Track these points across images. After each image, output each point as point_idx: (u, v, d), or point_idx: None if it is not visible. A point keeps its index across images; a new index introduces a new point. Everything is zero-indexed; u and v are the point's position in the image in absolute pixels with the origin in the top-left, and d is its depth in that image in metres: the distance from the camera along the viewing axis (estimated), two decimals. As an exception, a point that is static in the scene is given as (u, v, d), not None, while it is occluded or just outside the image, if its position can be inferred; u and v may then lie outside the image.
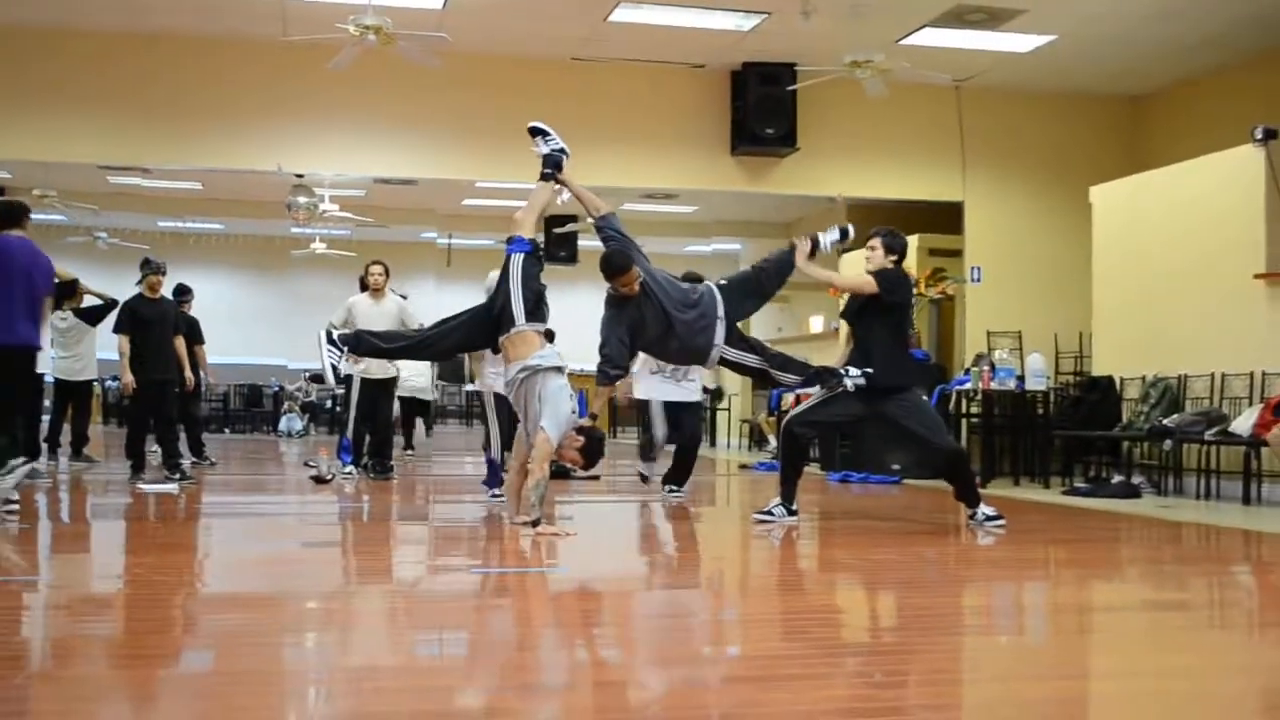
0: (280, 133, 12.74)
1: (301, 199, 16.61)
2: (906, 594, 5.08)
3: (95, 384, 13.36)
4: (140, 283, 10.90)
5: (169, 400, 10.90)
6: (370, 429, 11.22)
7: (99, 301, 12.19)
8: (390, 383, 11.29)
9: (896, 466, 11.96)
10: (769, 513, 7.77)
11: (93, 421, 13.65)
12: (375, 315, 10.99)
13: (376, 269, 11.24)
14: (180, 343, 11.29)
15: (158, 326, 10.78)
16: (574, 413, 6.98)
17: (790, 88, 12.79)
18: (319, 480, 10.57)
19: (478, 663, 4.05)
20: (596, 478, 11.02)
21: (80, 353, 12.18)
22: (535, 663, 4.03)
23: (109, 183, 17.80)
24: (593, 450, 7.05)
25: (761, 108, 13.11)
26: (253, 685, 3.57)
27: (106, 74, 12.31)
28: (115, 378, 22.63)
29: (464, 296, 17.93)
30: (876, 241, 8.35)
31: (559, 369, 7.06)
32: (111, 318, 12.21)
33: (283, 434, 21.71)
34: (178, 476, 10.39)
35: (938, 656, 4.21)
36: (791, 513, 7.75)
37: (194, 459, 12.19)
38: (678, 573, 6.42)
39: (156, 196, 19.26)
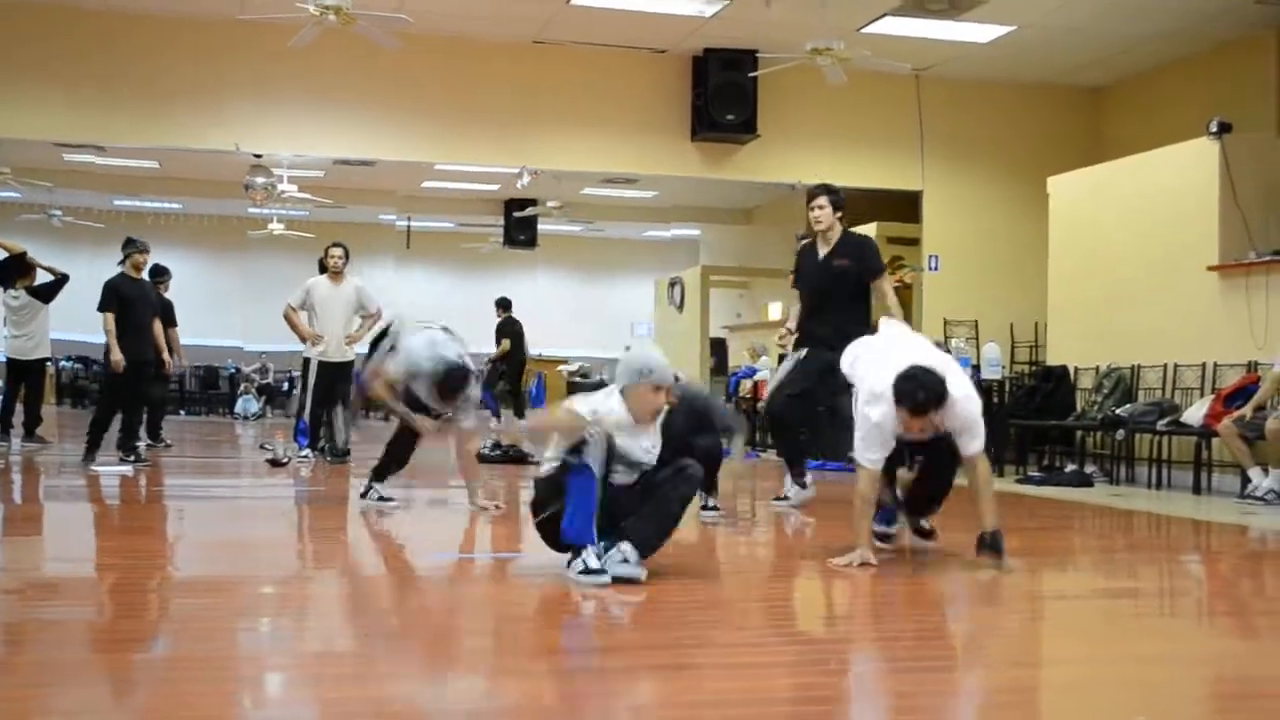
0: (239, 112, 12.61)
1: (259, 179, 16.48)
2: (858, 581, 5.10)
3: (48, 363, 13.15)
4: (124, 261, 10.69)
5: (145, 381, 10.75)
6: (327, 412, 11.14)
7: (51, 278, 12.07)
8: (348, 366, 11.22)
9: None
10: (784, 498, 7.92)
11: (45, 402, 13.43)
12: (333, 299, 10.94)
13: (336, 252, 11.15)
14: (157, 325, 11.04)
15: (140, 306, 10.59)
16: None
17: (751, 74, 12.78)
18: (275, 463, 10.51)
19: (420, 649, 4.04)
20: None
21: (32, 331, 11.98)
22: (493, 648, 4.02)
23: (64, 160, 17.60)
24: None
25: (722, 94, 13.09)
26: (204, 670, 3.55)
27: (62, 49, 12.13)
28: (70, 357, 22.73)
29: (422, 278, 17.94)
30: (824, 199, 7.80)
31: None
32: (64, 294, 12.11)
33: (239, 416, 21.58)
34: (132, 459, 10.30)
35: (891, 644, 4.23)
36: (804, 486, 7.89)
37: (149, 441, 12.05)
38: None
39: (112, 174, 19.06)
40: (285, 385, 22.32)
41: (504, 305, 17.96)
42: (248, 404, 21.47)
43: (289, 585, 5.21)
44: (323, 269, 11.31)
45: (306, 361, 10.96)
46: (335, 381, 11.00)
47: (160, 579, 5.37)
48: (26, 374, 12.13)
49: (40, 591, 4.91)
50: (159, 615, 4.54)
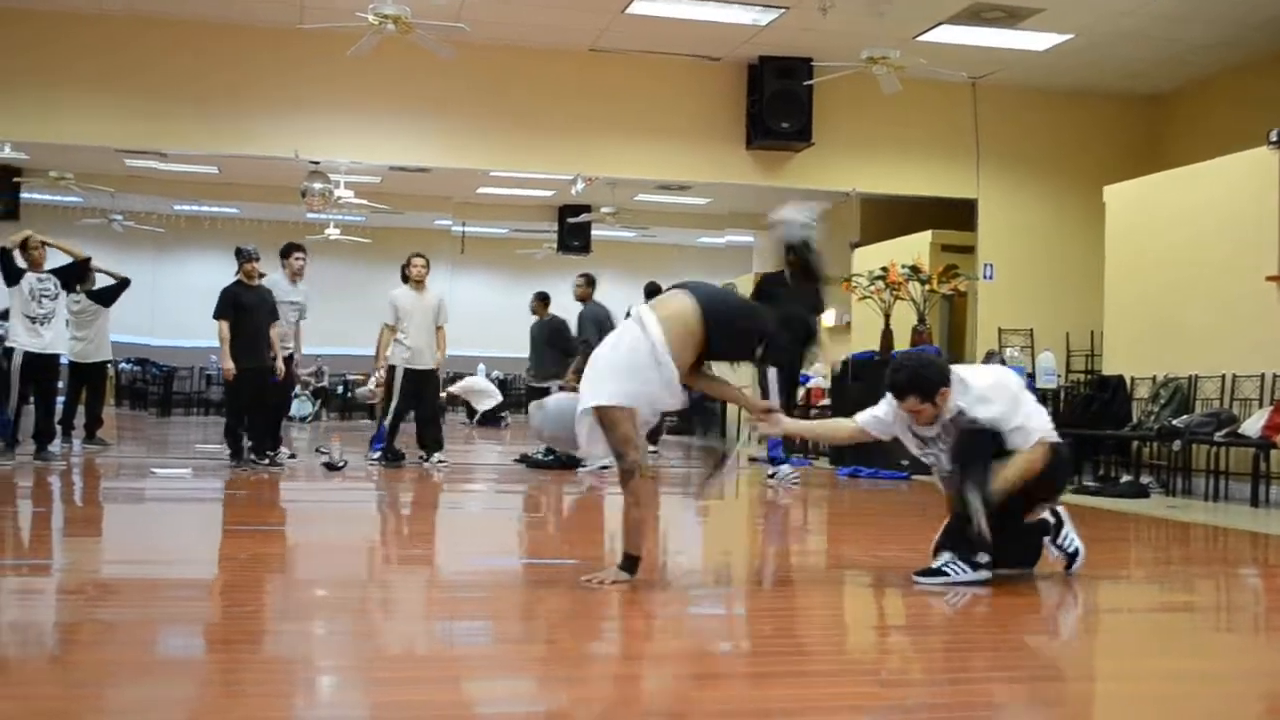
0: (297, 119, 12.78)
1: (317, 185, 16.59)
2: (910, 592, 5.08)
3: (109, 366, 13.32)
4: (238, 271, 10.79)
5: (267, 388, 10.76)
6: (417, 419, 11.31)
7: (112, 282, 12.22)
8: (433, 373, 11.38)
9: (905, 462, 11.94)
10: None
11: (105, 404, 13.62)
12: (418, 308, 11.16)
13: (419, 261, 11.37)
14: (273, 331, 10.87)
15: (256, 313, 10.65)
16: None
17: (806, 82, 12.80)
18: (331, 467, 10.60)
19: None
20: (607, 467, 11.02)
21: (93, 335, 12.14)
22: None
23: (125, 166, 17.84)
24: None
25: (777, 102, 13.10)
26: (270, 669, 3.60)
27: (125, 57, 12.34)
28: (130, 360, 23.04)
29: (477, 284, 18.03)
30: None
31: None
32: (124, 297, 12.25)
33: (292, 419, 21.76)
34: (265, 462, 10.46)
35: (944, 656, 4.22)
36: None
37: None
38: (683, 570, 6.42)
39: (172, 180, 19.30)
40: (340, 388, 22.48)
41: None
42: (302, 407, 21.63)
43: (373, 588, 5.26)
44: (404, 278, 11.44)
45: (392, 369, 11.11)
46: (421, 388, 11.20)
47: (229, 581, 5.43)
48: (87, 377, 12.30)
49: (98, 591, 4.98)
50: (279, 611, 4.60)
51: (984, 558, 5.06)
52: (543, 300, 13.03)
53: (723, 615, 4.97)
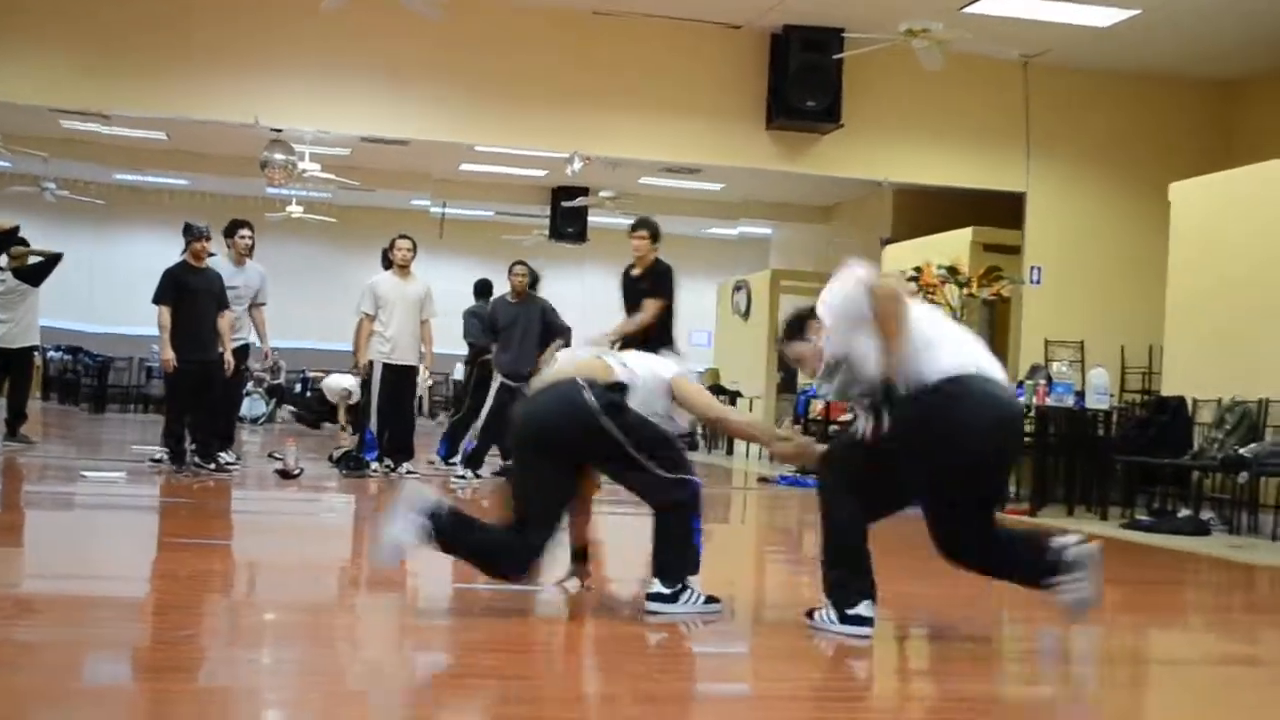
0: (259, 82, 12.76)
1: (278, 156, 16.60)
2: (939, 633, 5.11)
3: (36, 353, 13.32)
4: (185, 250, 10.76)
5: (214, 383, 10.71)
6: (393, 422, 11.39)
7: (40, 259, 12.22)
8: (415, 370, 11.54)
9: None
10: None
11: (32, 396, 13.61)
12: (401, 296, 11.23)
13: (404, 244, 11.49)
14: (223, 320, 10.84)
15: (203, 299, 10.62)
16: None
17: (836, 56, 12.79)
18: (285, 475, 10.62)
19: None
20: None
21: (18, 317, 12.12)
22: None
23: (61, 127, 17.83)
24: None
25: (803, 77, 13.09)
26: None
27: (64, 5, 12.33)
28: (60, 347, 23.05)
29: (456, 272, 18.03)
30: (646, 234, 10.13)
31: None
32: (56, 277, 12.25)
33: (244, 419, 21.76)
34: (212, 466, 10.48)
35: (972, 709, 4.24)
36: None
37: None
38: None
39: (115, 145, 19.29)
40: (298, 386, 22.46)
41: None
42: (254, 406, 21.60)
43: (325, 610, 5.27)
44: (386, 264, 11.48)
45: (371, 364, 11.17)
46: (402, 385, 11.31)
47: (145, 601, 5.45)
48: (11, 364, 12.25)
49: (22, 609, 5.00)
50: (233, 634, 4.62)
51: (863, 608, 4.87)
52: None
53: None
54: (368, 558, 4.82)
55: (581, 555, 5.65)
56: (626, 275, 10.46)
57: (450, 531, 4.89)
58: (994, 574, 5.15)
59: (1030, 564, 4.95)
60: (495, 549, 5.05)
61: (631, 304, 10.24)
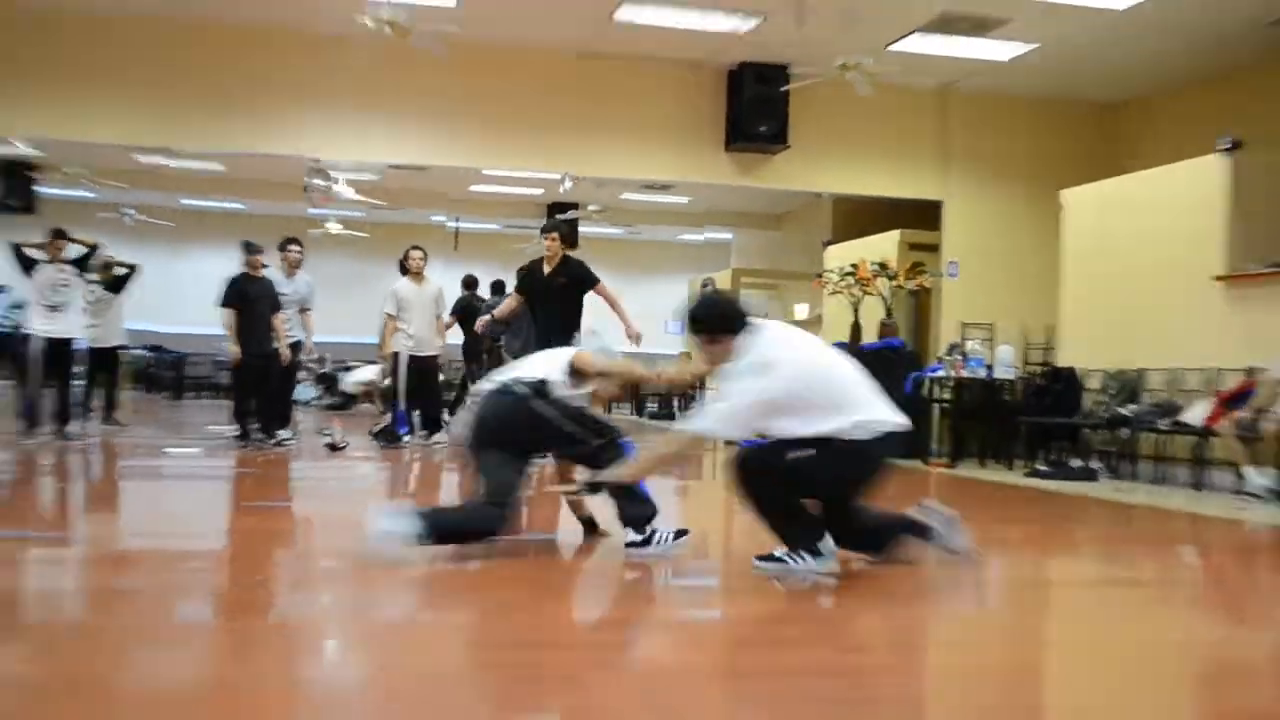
0: (301, 121, 12.78)
1: (318, 182, 16.56)
2: (868, 566, 5.18)
3: (123, 351, 13.32)
4: (243, 263, 10.86)
5: (273, 372, 10.88)
6: (420, 402, 11.58)
7: (125, 271, 12.25)
8: (435, 359, 11.65)
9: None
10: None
11: (122, 388, 13.63)
12: (418, 298, 11.32)
13: (417, 254, 11.51)
14: (277, 319, 10.97)
15: (260, 303, 10.75)
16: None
17: (783, 88, 12.83)
18: (333, 447, 10.67)
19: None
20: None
21: (107, 321, 12.14)
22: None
23: (136, 162, 17.80)
24: None
25: (755, 106, 13.13)
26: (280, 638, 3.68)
27: (136, 58, 12.31)
28: (144, 346, 22.96)
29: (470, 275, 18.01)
30: (556, 235, 9.94)
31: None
32: (138, 287, 12.27)
33: (297, 402, 21.69)
34: (273, 443, 10.57)
35: (905, 627, 4.32)
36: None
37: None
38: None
39: (181, 176, 19.22)
40: (340, 375, 22.43)
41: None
42: (305, 391, 21.57)
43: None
44: (404, 270, 11.51)
45: (396, 355, 11.25)
46: (425, 372, 11.44)
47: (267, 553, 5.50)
48: (103, 361, 12.29)
49: (111, 564, 5.05)
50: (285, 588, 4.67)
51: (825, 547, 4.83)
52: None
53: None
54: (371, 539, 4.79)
55: (591, 524, 5.73)
56: (533, 274, 9.95)
57: (434, 522, 4.90)
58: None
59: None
60: (473, 517, 5.02)
61: (547, 297, 9.81)
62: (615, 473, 4.99)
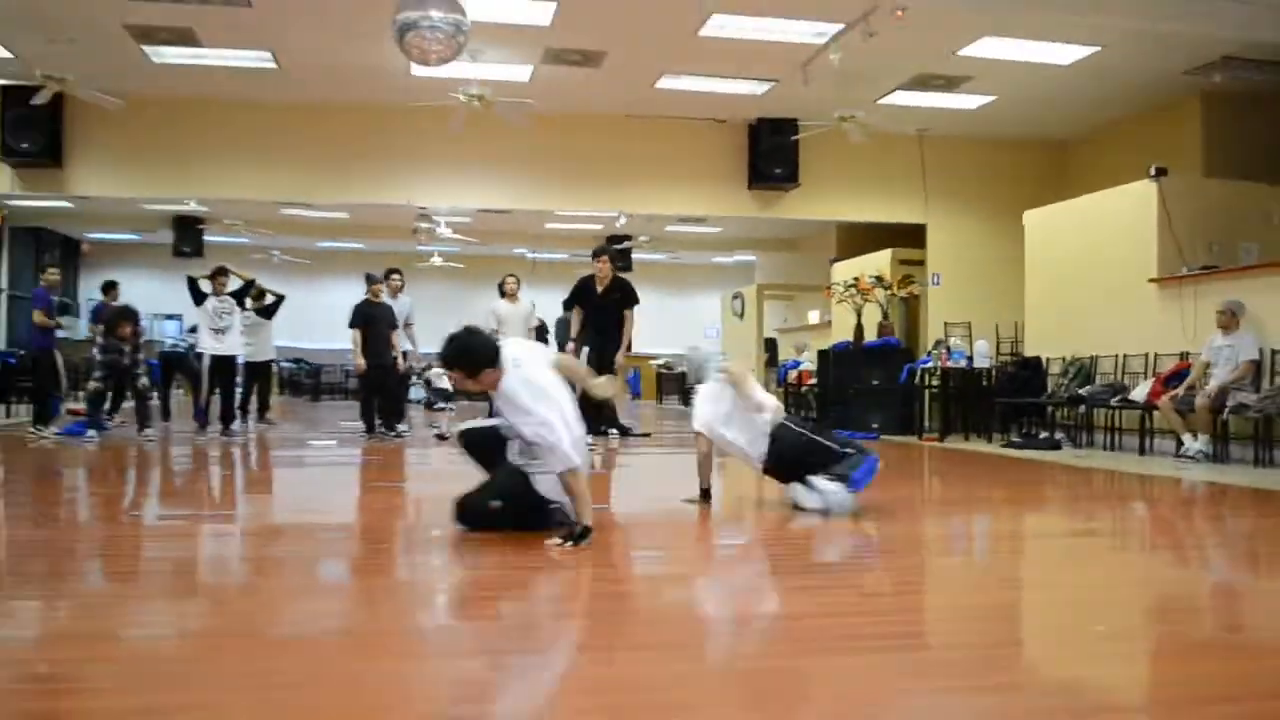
0: (409, 175, 12.89)
1: (423, 224, 16.72)
2: (876, 523, 5.12)
3: (273, 364, 13.45)
4: (366, 291, 10.92)
5: (390, 378, 10.88)
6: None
7: (274, 299, 12.38)
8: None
9: (875, 425, 11.94)
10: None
11: (273, 393, 13.78)
12: (513, 315, 11.29)
13: (511, 279, 11.50)
14: (395, 336, 10.91)
15: (380, 323, 10.78)
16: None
17: (794, 137, 12.78)
18: (441, 438, 10.70)
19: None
20: (648, 434, 11.09)
21: (259, 340, 12.24)
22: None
23: (281, 214, 18.00)
24: None
25: (771, 153, 13.10)
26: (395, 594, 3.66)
27: (279, 133, 12.49)
28: (290, 360, 23.21)
29: (544, 296, 18.08)
30: (607, 258, 9.98)
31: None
32: (283, 312, 12.39)
33: (411, 401, 21.77)
34: (393, 434, 10.64)
35: (900, 572, 4.25)
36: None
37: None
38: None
39: (316, 223, 19.44)
40: (442, 379, 22.48)
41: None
42: (417, 393, 21.69)
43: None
44: (502, 292, 11.52)
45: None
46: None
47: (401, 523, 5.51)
48: (258, 373, 12.42)
49: (266, 537, 5.07)
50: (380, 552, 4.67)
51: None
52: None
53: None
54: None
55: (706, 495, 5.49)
56: (588, 290, 10.00)
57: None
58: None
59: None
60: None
61: (602, 310, 10.00)
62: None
